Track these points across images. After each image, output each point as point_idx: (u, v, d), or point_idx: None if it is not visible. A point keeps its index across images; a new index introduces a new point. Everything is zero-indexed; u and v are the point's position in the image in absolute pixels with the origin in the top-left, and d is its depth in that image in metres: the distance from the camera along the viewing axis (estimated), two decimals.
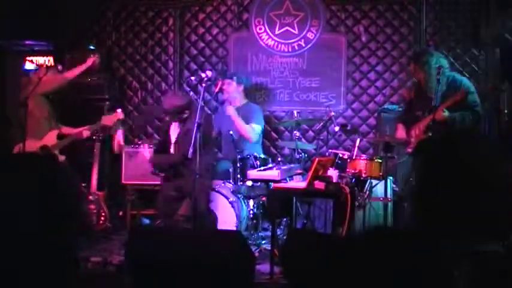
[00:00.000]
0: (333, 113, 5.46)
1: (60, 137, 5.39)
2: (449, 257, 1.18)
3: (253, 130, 5.58)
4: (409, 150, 4.80)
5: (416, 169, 1.36)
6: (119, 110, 5.53)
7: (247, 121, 5.63)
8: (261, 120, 5.76)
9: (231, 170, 5.14)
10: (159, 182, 5.52)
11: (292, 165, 5.10)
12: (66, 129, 5.51)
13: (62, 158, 5.20)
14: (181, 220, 4.78)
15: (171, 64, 6.66)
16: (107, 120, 5.45)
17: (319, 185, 4.21)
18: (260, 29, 6.45)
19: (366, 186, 4.73)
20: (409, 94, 5.18)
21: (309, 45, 6.37)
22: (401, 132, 4.92)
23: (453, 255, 1.18)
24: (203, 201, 4.76)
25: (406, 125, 4.92)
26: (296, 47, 6.40)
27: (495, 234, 1.21)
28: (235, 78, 5.74)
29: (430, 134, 4.59)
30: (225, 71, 6.46)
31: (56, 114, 5.55)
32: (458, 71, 5.88)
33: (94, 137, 5.45)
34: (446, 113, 4.55)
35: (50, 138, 5.28)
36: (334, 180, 4.27)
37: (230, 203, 4.96)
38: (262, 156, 5.34)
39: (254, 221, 5.14)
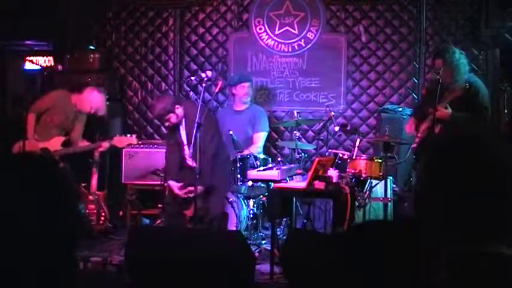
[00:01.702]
0: (333, 113, 5.46)
1: (66, 144, 5.32)
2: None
3: (259, 143, 5.63)
4: (414, 145, 4.74)
5: (422, 168, 1.34)
6: (134, 136, 5.33)
7: (253, 126, 5.66)
8: (267, 126, 5.80)
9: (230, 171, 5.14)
10: (159, 182, 5.52)
11: (292, 165, 5.10)
12: (82, 142, 5.38)
13: (61, 165, 5.14)
14: (186, 222, 4.77)
15: (171, 64, 6.66)
16: (119, 142, 5.27)
17: (319, 185, 4.21)
18: (260, 29, 6.45)
19: (366, 186, 4.73)
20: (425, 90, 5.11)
21: (309, 45, 6.36)
22: (410, 126, 4.81)
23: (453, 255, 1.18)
24: (219, 206, 4.72)
25: (417, 120, 4.84)
26: (296, 47, 6.39)
27: (499, 235, 1.20)
28: (250, 81, 5.81)
29: (430, 132, 4.55)
30: (225, 71, 6.47)
31: (77, 128, 5.40)
32: None
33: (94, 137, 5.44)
34: (449, 110, 4.49)
35: (54, 144, 5.22)
36: (334, 180, 4.27)
37: (230, 203, 4.96)
38: (262, 156, 5.34)
39: (254, 221, 5.14)
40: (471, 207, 1.19)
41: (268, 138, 6.31)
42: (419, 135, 4.69)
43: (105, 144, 5.26)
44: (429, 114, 4.64)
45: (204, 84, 4.86)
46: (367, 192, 4.69)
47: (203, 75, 4.69)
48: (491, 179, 1.19)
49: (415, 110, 5.12)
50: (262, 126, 5.71)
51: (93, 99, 5.31)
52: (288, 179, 4.83)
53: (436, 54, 4.88)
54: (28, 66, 6.34)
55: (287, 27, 6.39)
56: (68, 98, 5.26)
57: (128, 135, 5.37)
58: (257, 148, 5.58)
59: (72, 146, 5.29)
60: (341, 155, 5.00)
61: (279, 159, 5.61)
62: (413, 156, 4.75)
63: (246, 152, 5.24)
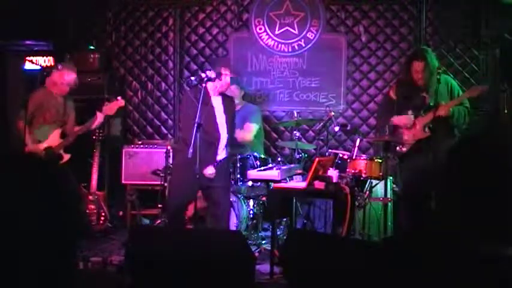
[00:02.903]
0: (333, 113, 5.45)
1: (64, 135, 5.30)
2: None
3: (248, 131, 5.51)
4: (404, 149, 4.70)
5: (444, 171, 1.31)
6: (119, 97, 5.29)
7: (245, 121, 5.56)
8: (259, 120, 5.66)
9: (231, 170, 5.12)
10: (159, 182, 5.50)
11: (292, 165, 5.10)
12: (77, 128, 5.31)
13: (66, 156, 5.12)
14: (187, 222, 4.75)
15: (171, 64, 6.67)
16: (108, 109, 5.21)
17: (319, 185, 4.21)
18: (260, 29, 6.45)
19: (366, 186, 4.73)
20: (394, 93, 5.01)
21: (309, 45, 6.37)
22: (399, 119, 4.70)
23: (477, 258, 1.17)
24: (226, 204, 4.67)
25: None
26: (296, 47, 6.40)
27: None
28: (237, 83, 5.67)
29: (429, 131, 4.53)
30: None
31: (71, 117, 5.32)
32: (458, 71, 5.89)
33: (94, 137, 5.42)
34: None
35: (54, 139, 5.20)
36: (334, 180, 4.27)
37: (230, 203, 4.95)
38: (262, 156, 5.33)
39: (254, 221, 5.14)
40: (496, 211, 1.18)
41: (268, 138, 6.31)
42: (406, 138, 4.61)
43: (99, 117, 5.18)
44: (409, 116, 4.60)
45: (204, 84, 4.85)
46: (367, 192, 4.69)
47: (203, 75, 4.67)
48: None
49: (389, 114, 4.96)
50: (252, 119, 5.50)
51: (64, 77, 5.18)
52: (288, 179, 4.82)
53: (415, 56, 4.64)
54: (28, 66, 6.33)
55: (287, 27, 6.40)
56: (48, 92, 5.22)
57: (115, 99, 5.27)
58: (247, 133, 5.41)
59: (70, 135, 5.27)
60: (341, 155, 5.00)
61: (279, 159, 5.59)
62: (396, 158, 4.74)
63: (237, 134, 5.14)
